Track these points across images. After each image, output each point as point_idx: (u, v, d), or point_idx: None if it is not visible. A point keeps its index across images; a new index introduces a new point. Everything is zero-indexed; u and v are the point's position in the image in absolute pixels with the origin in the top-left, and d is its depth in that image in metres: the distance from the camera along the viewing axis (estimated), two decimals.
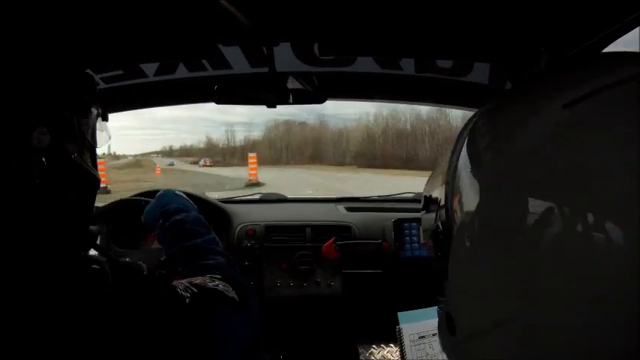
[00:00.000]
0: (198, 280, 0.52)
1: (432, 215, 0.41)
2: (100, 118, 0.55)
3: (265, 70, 0.93)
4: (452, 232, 0.35)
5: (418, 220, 1.24)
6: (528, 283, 0.28)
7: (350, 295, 1.26)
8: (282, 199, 1.63)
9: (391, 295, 1.29)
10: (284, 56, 1.02)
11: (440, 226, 0.37)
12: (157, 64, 1.11)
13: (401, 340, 1.00)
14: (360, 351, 1.25)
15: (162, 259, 0.84)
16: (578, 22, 0.74)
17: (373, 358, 1.25)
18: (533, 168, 0.29)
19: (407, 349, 0.99)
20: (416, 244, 1.23)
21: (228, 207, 1.40)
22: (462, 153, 0.35)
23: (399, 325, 1.01)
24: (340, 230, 1.29)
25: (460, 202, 0.34)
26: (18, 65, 0.43)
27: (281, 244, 1.27)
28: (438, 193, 0.39)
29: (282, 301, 1.25)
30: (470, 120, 0.39)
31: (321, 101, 1.01)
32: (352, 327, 1.32)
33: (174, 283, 0.49)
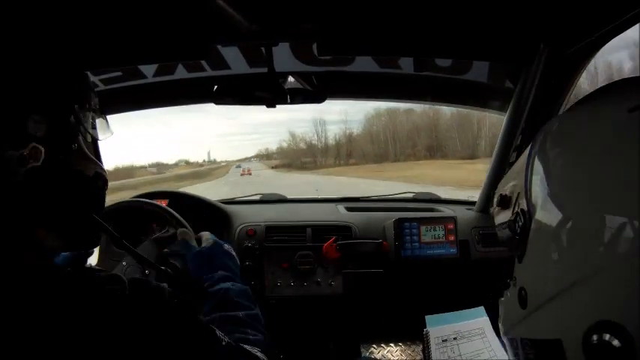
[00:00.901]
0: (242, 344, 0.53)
1: (508, 210, 0.48)
2: (94, 113, 0.53)
3: (264, 70, 0.93)
4: (532, 218, 0.41)
5: (418, 220, 1.24)
6: (589, 259, 0.34)
7: (350, 294, 1.26)
8: (283, 200, 1.62)
9: (392, 295, 1.29)
10: (283, 56, 1.02)
11: (520, 214, 0.44)
12: (155, 65, 1.11)
13: (428, 342, 1.02)
14: (361, 350, 1.25)
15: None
16: (577, 19, 0.74)
17: (374, 357, 1.25)
18: (600, 165, 0.35)
19: (433, 353, 1.01)
20: (416, 244, 1.23)
21: (229, 207, 1.40)
22: (538, 152, 0.42)
23: (426, 328, 1.03)
24: (341, 230, 1.29)
25: (535, 190, 0.41)
26: (13, 57, 0.43)
27: (281, 244, 1.27)
28: (516, 189, 0.46)
29: (282, 301, 1.25)
30: (548, 123, 0.45)
31: (320, 101, 1.01)
32: (353, 327, 1.32)
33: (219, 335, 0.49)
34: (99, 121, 0.52)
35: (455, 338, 1.02)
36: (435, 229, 1.23)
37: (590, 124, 0.39)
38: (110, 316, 0.39)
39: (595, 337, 0.32)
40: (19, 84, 0.42)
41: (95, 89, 0.52)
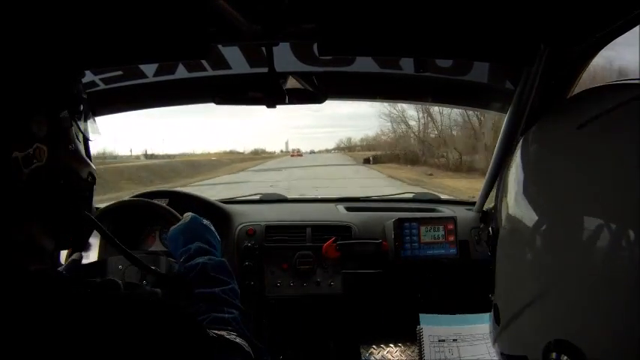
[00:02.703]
0: (216, 331, 0.53)
1: (487, 227, 0.49)
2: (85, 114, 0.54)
3: (265, 70, 0.93)
4: (498, 234, 0.42)
5: (418, 220, 1.24)
6: (550, 271, 0.34)
7: (350, 294, 1.26)
8: (283, 199, 1.62)
9: (391, 295, 1.29)
10: (283, 56, 1.02)
11: (490, 230, 0.45)
12: (156, 65, 1.11)
13: (420, 340, 1.02)
14: (360, 351, 1.25)
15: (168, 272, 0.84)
16: (578, 19, 0.74)
17: (373, 358, 1.25)
18: (555, 176, 0.36)
19: (426, 350, 1.01)
20: (416, 244, 1.23)
21: (229, 207, 1.40)
22: (508, 168, 0.44)
23: (419, 325, 1.04)
24: (340, 230, 1.29)
25: (502, 206, 0.42)
26: (16, 58, 0.43)
27: (281, 244, 1.27)
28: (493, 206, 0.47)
29: (282, 301, 1.25)
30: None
31: (320, 101, 1.01)
32: (352, 327, 1.32)
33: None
34: (89, 122, 0.53)
35: (455, 340, 1.02)
36: (434, 230, 1.23)
37: (546, 141, 0.41)
38: (102, 322, 0.39)
39: (553, 356, 0.32)
40: (22, 85, 0.43)
41: (95, 88, 0.53)
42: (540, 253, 0.35)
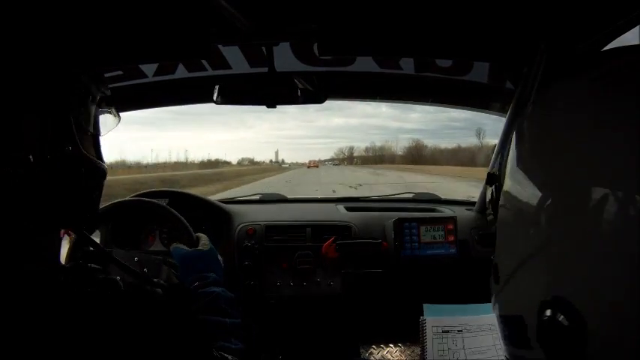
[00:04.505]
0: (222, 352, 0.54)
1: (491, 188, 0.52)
2: (103, 103, 0.53)
3: (265, 70, 0.93)
4: (501, 191, 0.43)
5: (418, 220, 1.24)
6: (541, 232, 0.35)
7: (350, 294, 1.26)
8: (283, 199, 1.62)
9: (391, 295, 1.29)
10: (283, 56, 1.02)
11: (494, 190, 0.48)
12: (156, 65, 1.11)
13: (423, 331, 1.02)
14: (360, 351, 1.25)
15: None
16: (579, 19, 0.74)
17: (373, 358, 1.25)
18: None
19: (428, 341, 1.01)
20: (416, 244, 1.23)
21: (229, 207, 1.40)
22: (516, 130, 0.46)
23: (423, 316, 1.03)
24: (340, 230, 1.29)
25: (506, 168, 0.43)
26: (16, 59, 0.42)
27: (281, 244, 1.27)
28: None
29: (282, 300, 1.25)
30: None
31: (321, 101, 1.01)
32: (352, 327, 1.32)
33: None
34: (103, 116, 0.52)
35: (460, 331, 1.01)
36: (434, 230, 1.23)
37: (548, 102, 0.42)
38: (102, 320, 0.39)
39: (548, 313, 0.31)
40: (21, 84, 0.42)
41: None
42: (539, 212, 0.35)
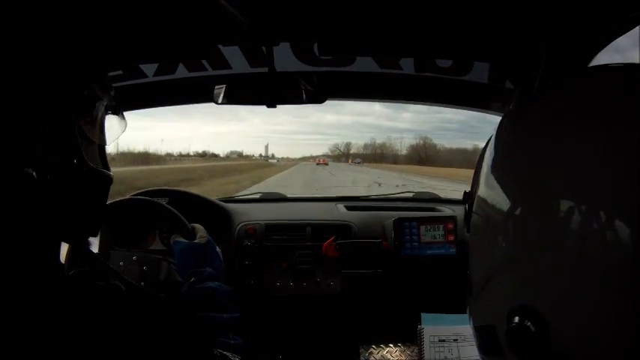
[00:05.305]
0: (221, 350, 0.54)
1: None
2: (109, 112, 0.52)
3: (265, 70, 0.93)
4: (472, 203, 0.44)
5: (418, 220, 1.24)
6: (516, 239, 0.35)
7: (350, 294, 1.26)
8: (283, 198, 1.63)
9: (391, 295, 1.29)
10: (284, 56, 1.02)
11: (467, 206, 0.47)
12: (156, 65, 1.11)
13: (421, 339, 1.03)
14: (360, 351, 1.25)
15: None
16: (579, 19, 0.74)
17: (373, 358, 1.25)
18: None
19: (426, 350, 1.01)
20: (416, 243, 1.23)
21: (229, 206, 1.40)
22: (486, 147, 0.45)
23: (420, 324, 1.04)
24: (340, 229, 1.29)
25: (477, 181, 0.43)
26: (22, 65, 0.40)
27: (281, 244, 1.27)
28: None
29: (281, 300, 1.26)
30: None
31: (321, 101, 1.01)
32: (352, 327, 1.32)
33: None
34: (109, 121, 0.51)
35: (455, 340, 1.02)
36: (434, 229, 1.23)
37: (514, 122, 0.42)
38: (103, 325, 0.39)
39: (516, 319, 0.32)
40: (30, 93, 0.40)
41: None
42: (507, 222, 0.35)
